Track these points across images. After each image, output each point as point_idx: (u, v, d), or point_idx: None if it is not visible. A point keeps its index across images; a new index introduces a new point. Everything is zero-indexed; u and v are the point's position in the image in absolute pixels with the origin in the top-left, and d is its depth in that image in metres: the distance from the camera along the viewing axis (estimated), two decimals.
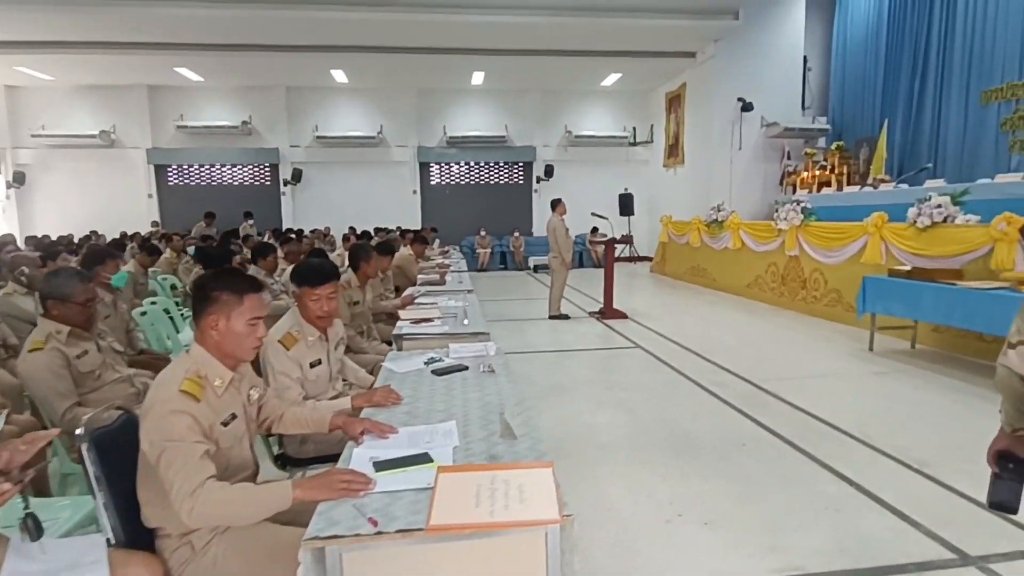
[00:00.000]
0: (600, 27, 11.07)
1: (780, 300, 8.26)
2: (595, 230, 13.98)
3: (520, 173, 15.80)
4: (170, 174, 14.90)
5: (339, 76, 13.58)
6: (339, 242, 11.74)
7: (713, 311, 8.17)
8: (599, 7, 10.74)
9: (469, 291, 5.36)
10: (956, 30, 9.53)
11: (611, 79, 14.30)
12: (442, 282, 5.94)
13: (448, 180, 15.67)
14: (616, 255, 15.21)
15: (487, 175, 15.78)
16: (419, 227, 14.76)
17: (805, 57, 12.60)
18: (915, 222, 5.81)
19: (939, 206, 5.57)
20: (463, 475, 1.48)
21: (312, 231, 13.15)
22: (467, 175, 15.71)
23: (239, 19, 10.14)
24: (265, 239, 10.56)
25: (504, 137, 15.13)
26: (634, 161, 15.87)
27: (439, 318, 3.86)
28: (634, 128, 15.59)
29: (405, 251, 6.67)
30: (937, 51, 9.91)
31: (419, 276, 6.16)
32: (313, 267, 2.49)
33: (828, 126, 12.41)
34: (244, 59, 12.13)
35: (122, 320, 3.42)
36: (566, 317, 7.70)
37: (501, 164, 15.70)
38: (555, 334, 6.81)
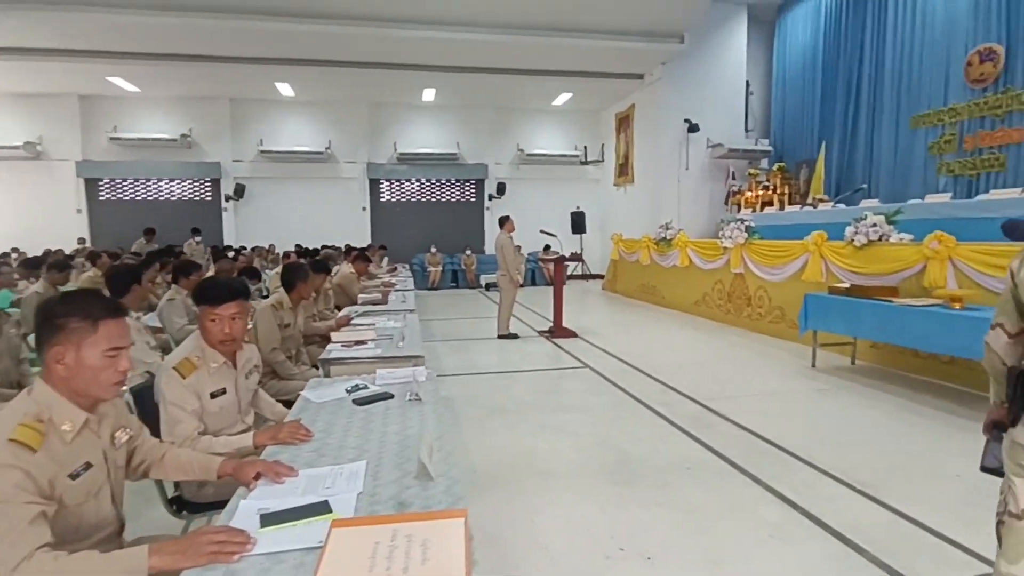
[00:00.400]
0: (551, 46, 11.16)
1: (727, 317, 8.35)
2: (547, 248, 13.93)
3: (472, 190, 15.70)
4: (102, 188, 14.10)
5: (285, 89, 13.21)
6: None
7: (662, 329, 8.18)
8: (550, 27, 10.83)
9: (411, 311, 5.14)
10: (886, 59, 10.01)
11: (562, 98, 14.43)
12: (384, 301, 5.70)
13: (399, 197, 15.41)
14: (568, 273, 15.34)
15: (438, 192, 15.60)
16: (368, 244, 14.45)
17: (748, 82, 13.04)
18: (852, 240, 5.94)
19: (874, 225, 5.72)
20: (360, 530, 1.29)
21: (254, 248, 12.66)
22: (418, 192, 15.49)
23: (177, 27, 9.74)
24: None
25: (456, 154, 15.02)
26: (586, 179, 16.01)
27: (373, 340, 3.64)
28: (585, 147, 15.76)
29: (346, 269, 6.41)
30: (869, 79, 10.38)
31: (361, 295, 5.90)
32: (213, 284, 2.24)
33: (770, 148, 12.82)
34: (184, 69, 11.66)
35: (9, 346, 3.06)
36: (515, 336, 7.55)
37: (453, 181, 15.56)
38: (502, 354, 6.64)
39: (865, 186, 9.02)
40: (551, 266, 13.99)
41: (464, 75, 12.51)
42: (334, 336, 3.69)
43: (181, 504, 2.15)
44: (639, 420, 4.27)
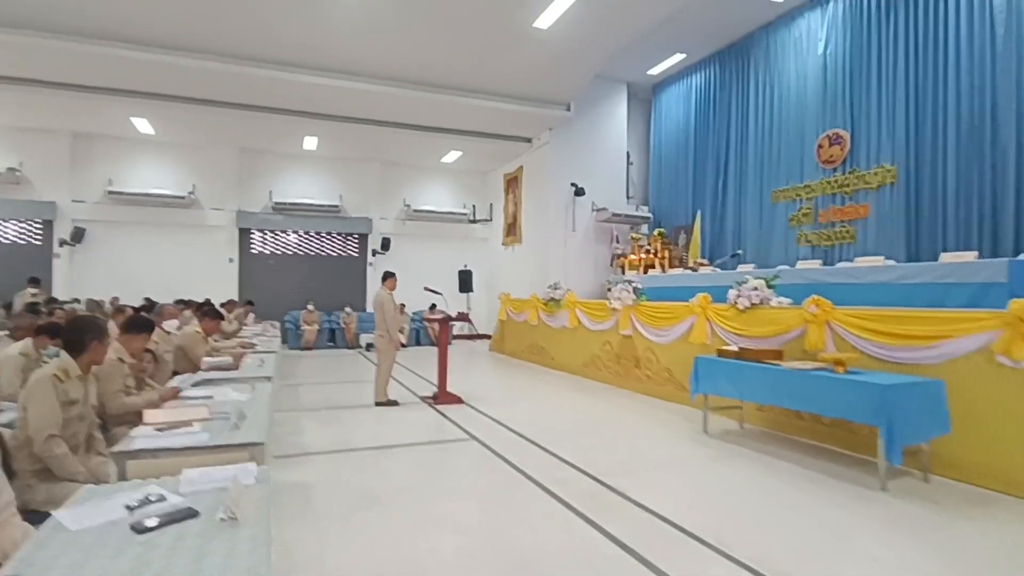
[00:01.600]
0: (442, 104, 11.01)
1: (616, 379, 8.19)
2: (433, 307, 13.36)
3: (355, 245, 14.87)
4: None
5: (143, 125, 11.85)
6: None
7: (552, 392, 7.82)
8: (441, 84, 10.69)
9: (266, 378, 4.32)
10: (749, 138, 10.90)
11: (452, 156, 14.30)
12: (235, 367, 4.80)
13: (273, 249, 14.19)
14: (454, 333, 14.81)
15: (318, 246, 14.59)
16: (228, 300, 13.01)
17: (628, 152, 13.71)
18: (735, 303, 6.00)
19: (755, 289, 5.82)
20: None
21: (87, 300, 10.84)
22: (295, 245, 14.38)
23: (6, 46, 8.37)
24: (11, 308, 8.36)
25: (338, 206, 14.23)
26: (473, 238, 15.81)
27: (202, 421, 2.84)
28: (474, 206, 15.65)
29: (190, 329, 5.41)
30: (735, 154, 11.23)
31: (206, 359, 4.94)
32: None
33: (650, 215, 13.41)
34: (14, 95, 10.06)
35: None
36: (394, 403, 6.80)
37: (334, 234, 14.66)
38: (379, 425, 5.87)
39: (741, 251, 9.51)
40: (437, 326, 13.43)
41: (350, 125, 11.98)
42: (147, 416, 2.83)
43: None
44: (533, 504, 3.73)
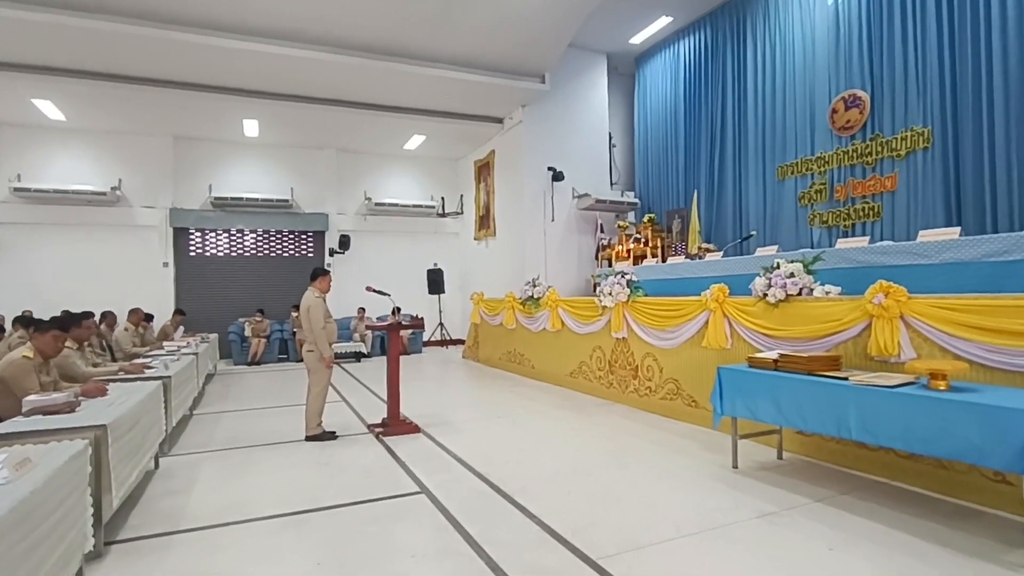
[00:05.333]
0: (396, 76, 9.54)
1: (609, 392, 6.80)
2: (396, 310, 11.85)
3: (309, 244, 13.28)
4: None
5: (48, 109, 10.17)
6: (9, 328, 8.08)
7: (532, 411, 6.40)
8: (393, 51, 9.21)
9: (98, 427, 2.83)
10: (748, 108, 9.61)
11: (415, 141, 12.81)
12: (66, 409, 3.29)
13: (214, 251, 12.55)
14: (426, 339, 13.32)
15: (267, 246, 12.97)
16: (173, 307, 11.40)
17: (610, 134, 12.37)
18: (765, 295, 4.65)
19: (791, 275, 4.46)
20: None
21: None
22: (240, 245, 12.74)
23: None
24: None
25: (288, 201, 12.63)
26: (444, 233, 14.34)
27: None
28: (443, 198, 14.18)
29: (15, 354, 3.86)
30: (733, 128, 9.94)
31: (31, 398, 3.41)
32: None
33: (637, 200, 12.08)
34: None
35: None
36: (331, 436, 5.33)
37: (285, 233, 13.06)
38: (300, 472, 4.40)
39: (755, 232, 8.19)
40: (405, 333, 11.86)
41: (294, 106, 10.44)
42: None
43: None
44: None
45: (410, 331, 11.84)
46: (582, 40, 11.21)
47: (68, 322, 4.33)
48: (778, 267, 4.62)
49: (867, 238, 5.22)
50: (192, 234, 12.31)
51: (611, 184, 12.42)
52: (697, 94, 10.80)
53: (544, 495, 3.71)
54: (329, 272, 5.58)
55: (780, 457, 4.36)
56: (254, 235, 12.80)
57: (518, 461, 4.49)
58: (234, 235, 12.63)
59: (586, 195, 11.42)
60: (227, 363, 11.45)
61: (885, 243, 4.96)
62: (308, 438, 5.28)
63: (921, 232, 4.50)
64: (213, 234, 12.48)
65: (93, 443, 2.94)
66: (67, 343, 4.84)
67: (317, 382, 5.30)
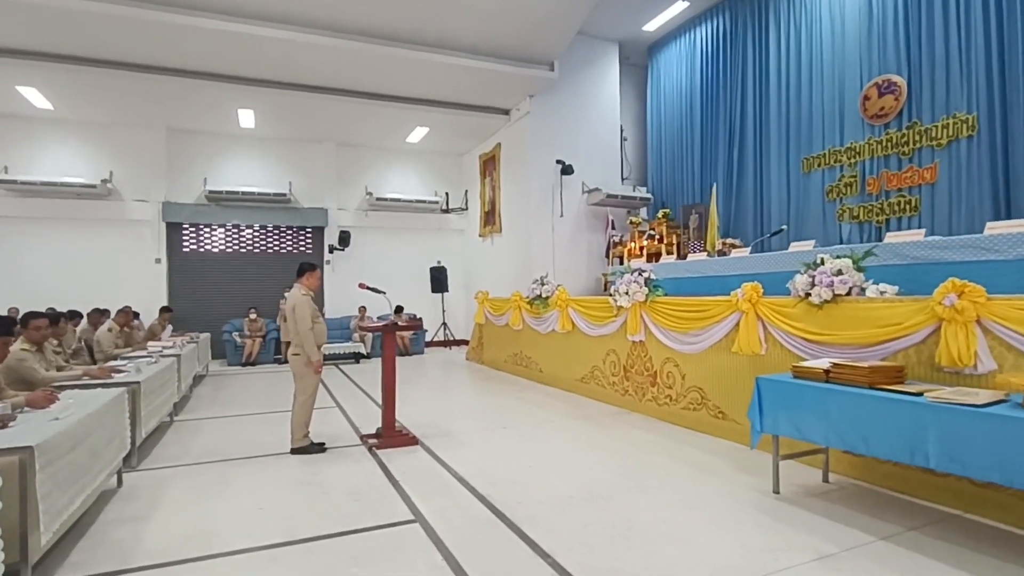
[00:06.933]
0: (396, 61, 9.03)
1: (624, 400, 6.27)
2: (399, 310, 11.38)
3: (308, 240, 12.79)
4: None
5: (34, 97, 9.71)
6: None
7: (540, 420, 5.87)
8: (397, 36, 8.70)
9: (25, 448, 2.33)
10: (770, 96, 9.04)
11: (418, 134, 12.29)
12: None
13: (208, 247, 12.07)
14: (428, 340, 12.80)
15: (264, 242, 12.49)
16: (165, 304, 10.94)
17: (621, 127, 11.82)
18: (807, 295, 4.10)
19: (839, 272, 3.91)
20: None
21: None
22: (236, 241, 12.26)
23: None
24: None
25: (286, 195, 12.14)
26: (448, 230, 13.82)
27: None
28: (447, 193, 13.64)
29: None
30: (754, 118, 9.37)
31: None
32: None
33: (650, 195, 11.52)
34: None
35: None
36: (319, 449, 4.82)
37: (283, 229, 12.58)
38: (280, 494, 3.88)
39: (785, 227, 7.62)
40: (406, 335, 11.36)
41: (289, 95, 9.95)
42: None
43: None
44: None
45: (411, 332, 11.33)
46: (592, 28, 10.68)
47: (10, 324, 3.82)
48: (822, 263, 4.07)
49: (923, 231, 4.65)
50: (186, 229, 11.84)
51: (622, 179, 11.89)
52: (715, 83, 10.23)
53: (556, 526, 3.18)
54: (318, 268, 5.07)
55: (826, 480, 3.81)
56: (250, 231, 12.32)
57: (526, 482, 3.96)
58: (230, 230, 12.16)
59: (596, 190, 10.88)
60: (221, 364, 10.98)
61: (947, 237, 4.39)
62: (294, 451, 4.77)
63: (989, 224, 3.94)
64: (208, 229, 12.01)
65: (18, 468, 2.44)
66: (24, 346, 4.37)
67: (304, 389, 4.79)
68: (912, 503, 3.41)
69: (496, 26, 8.65)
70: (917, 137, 6.99)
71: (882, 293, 3.79)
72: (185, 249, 11.83)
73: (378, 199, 12.86)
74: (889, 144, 7.31)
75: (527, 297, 8.40)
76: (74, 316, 7.96)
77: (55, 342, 5.36)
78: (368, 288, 5.61)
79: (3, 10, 7.12)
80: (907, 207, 7.07)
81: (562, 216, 10.86)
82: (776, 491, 3.61)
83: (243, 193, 11.76)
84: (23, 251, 10.70)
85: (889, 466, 3.58)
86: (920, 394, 2.85)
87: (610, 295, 6.34)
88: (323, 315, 12.05)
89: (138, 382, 4.43)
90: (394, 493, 3.82)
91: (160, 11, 7.50)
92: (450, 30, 8.65)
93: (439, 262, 13.09)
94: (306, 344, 4.66)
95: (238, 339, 10.89)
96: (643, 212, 11.61)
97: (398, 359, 11.01)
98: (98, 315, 8.16)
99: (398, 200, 13.06)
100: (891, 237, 4.58)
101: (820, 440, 3.29)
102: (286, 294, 6.35)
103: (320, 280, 5.05)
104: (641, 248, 10.02)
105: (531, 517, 3.32)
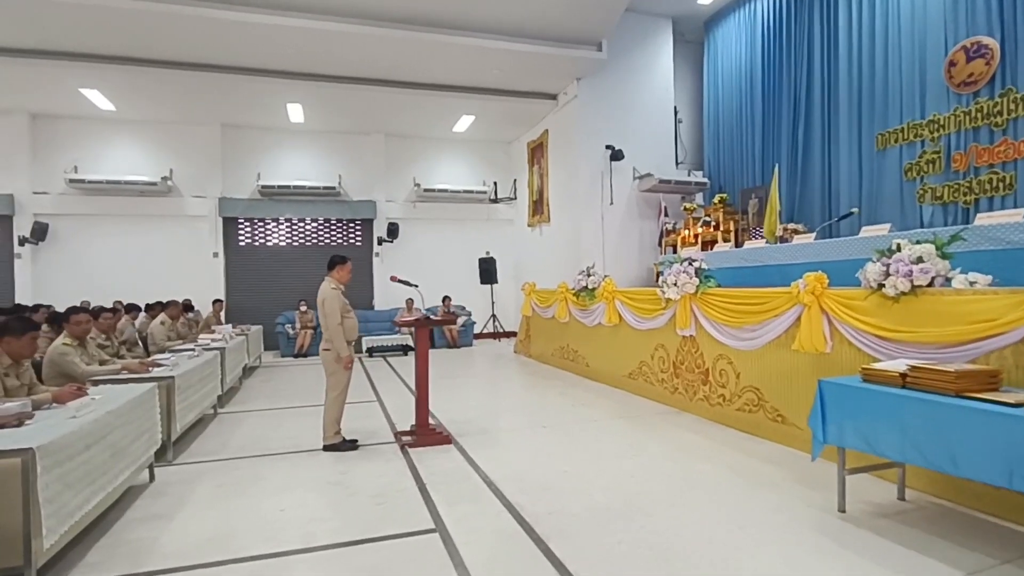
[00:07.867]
0: (441, 48, 8.85)
1: (674, 398, 5.87)
2: (446, 299, 11.27)
3: (357, 233, 12.88)
4: None
5: (99, 100, 10.12)
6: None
7: (584, 420, 5.56)
8: (439, 22, 8.50)
9: (26, 450, 2.26)
10: (839, 69, 8.27)
11: (465, 122, 12.09)
12: (12, 422, 2.76)
13: (262, 240, 12.35)
14: (477, 331, 12.66)
15: (315, 235, 12.67)
16: (223, 298, 11.32)
17: (676, 108, 11.21)
18: (880, 286, 3.60)
19: (919, 260, 3.40)
20: None
21: (45, 307, 9.19)
22: (288, 234, 12.49)
23: None
24: None
25: (336, 188, 12.24)
26: (496, 220, 13.60)
27: None
28: (495, 183, 13.41)
29: None
30: (821, 93, 8.62)
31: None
32: None
33: (706, 180, 10.90)
34: None
35: None
36: (352, 446, 4.71)
37: (333, 222, 12.71)
38: (307, 493, 3.77)
39: (856, 209, 6.95)
40: (454, 328, 11.25)
41: (336, 87, 9.96)
42: None
43: None
44: None
45: (451, 325, 11.17)
46: (643, 4, 10.13)
47: (28, 319, 3.86)
48: (898, 249, 3.56)
49: (1020, 211, 4.01)
50: (241, 223, 12.14)
51: (676, 163, 11.29)
52: (777, 58, 9.49)
53: (586, 543, 2.89)
54: (349, 261, 4.92)
55: (902, 497, 3.35)
56: (301, 224, 12.51)
57: (560, 488, 3.68)
58: (282, 224, 12.39)
59: (648, 175, 10.36)
60: (274, 355, 11.23)
61: None
62: (326, 447, 4.68)
63: None
64: (261, 223, 12.28)
65: (20, 471, 2.38)
66: (66, 340, 4.45)
67: (335, 385, 4.68)
68: (1008, 529, 2.92)
69: (539, 6, 8.29)
70: (1012, 106, 6.17)
71: (972, 284, 3.26)
72: (241, 243, 12.14)
73: (426, 190, 12.78)
74: (979, 115, 6.50)
75: (573, 288, 8.07)
76: (131, 309, 8.24)
77: (102, 336, 5.48)
78: (399, 281, 5.45)
79: (58, 11, 7.35)
80: (1000, 185, 6.27)
81: (612, 204, 10.41)
82: (842, 509, 3.19)
83: (294, 187, 11.94)
84: (91, 247, 11.24)
85: (981, 484, 3.08)
86: (1020, 404, 2.38)
87: (659, 286, 5.94)
88: (372, 307, 12.22)
89: (172, 377, 4.43)
90: (419, 498, 3.63)
91: (206, 8, 7.57)
92: (492, 12, 8.37)
93: (488, 253, 12.90)
94: (335, 339, 4.54)
95: (291, 331, 11.09)
96: (699, 198, 11.00)
97: (447, 352, 11.00)
98: (159, 308, 8.44)
99: (446, 191, 12.94)
100: (982, 219, 3.98)
101: (895, 456, 2.85)
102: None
103: (350, 273, 4.90)
104: (696, 236, 9.47)
105: (560, 531, 3.05)
